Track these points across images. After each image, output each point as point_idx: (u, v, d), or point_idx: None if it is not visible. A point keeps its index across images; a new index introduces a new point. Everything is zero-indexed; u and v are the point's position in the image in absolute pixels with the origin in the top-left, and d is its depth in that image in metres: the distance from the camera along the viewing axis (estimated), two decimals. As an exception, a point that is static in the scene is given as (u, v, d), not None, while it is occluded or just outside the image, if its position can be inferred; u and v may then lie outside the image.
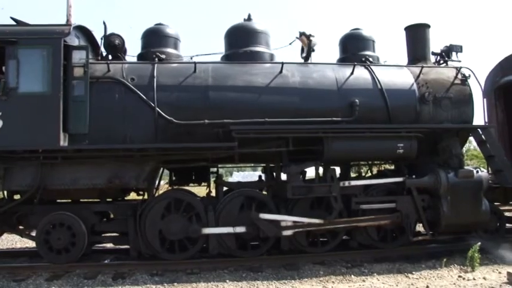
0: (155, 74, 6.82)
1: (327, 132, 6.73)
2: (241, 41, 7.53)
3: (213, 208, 6.80)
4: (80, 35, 7.14)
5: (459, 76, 7.75)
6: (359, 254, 7.05)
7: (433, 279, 5.99)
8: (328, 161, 6.89)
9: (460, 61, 8.16)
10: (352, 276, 6.12)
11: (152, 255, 6.75)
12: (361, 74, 7.39)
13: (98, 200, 6.99)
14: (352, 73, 7.32)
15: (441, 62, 8.24)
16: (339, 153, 6.78)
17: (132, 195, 7.94)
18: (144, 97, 6.64)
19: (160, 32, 7.50)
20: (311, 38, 7.65)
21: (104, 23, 7.30)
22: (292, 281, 5.95)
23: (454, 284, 5.78)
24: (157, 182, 7.83)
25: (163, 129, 6.65)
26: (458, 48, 8.19)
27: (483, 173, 7.19)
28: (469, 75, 7.78)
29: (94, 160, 6.50)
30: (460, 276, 6.06)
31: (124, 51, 7.46)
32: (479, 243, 6.42)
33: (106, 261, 6.89)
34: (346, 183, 6.91)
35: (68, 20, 19.07)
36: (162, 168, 7.80)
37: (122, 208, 6.89)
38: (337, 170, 7.52)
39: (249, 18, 7.79)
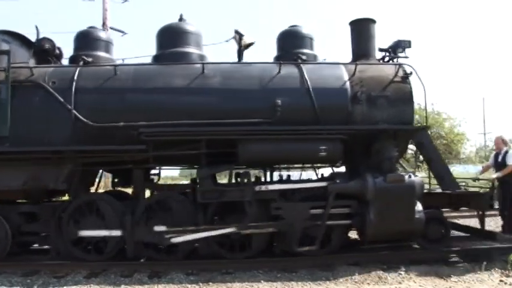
0: (75, 78, 6.88)
1: (241, 134, 6.52)
2: (170, 41, 7.43)
3: (131, 211, 6.77)
4: (11, 40, 7.33)
5: (400, 73, 7.26)
6: (395, 255, 6.83)
7: (473, 283, 5.79)
8: (244, 164, 6.66)
9: (407, 57, 7.67)
10: (388, 278, 6.01)
11: (73, 257, 6.81)
12: (289, 73, 7.07)
13: (26, 200, 7.18)
14: (278, 72, 7.04)
15: (388, 58, 7.76)
16: (254, 155, 6.54)
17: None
18: (62, 100, 6.72)
19: (91, 35, 7.58)
20: (242, 38, 7.45)
21: (36, 27, 7.49)
22: (327, 282, 5.90)
23: (495, 288, 5.52)
24: (96, 183, 8.00)
25: (81, 131, 6.69)
26: (407, 44, 7.67)
27: (416, 177, 6.69)
28: (411, 73, 7.26)
29: (12, 162, 6.66)
30: (501, 281, 5.84)
31: (57, 55, 7.61)
32: None
33: (142, 260, 6.93)
34: (263, 188, 6.64)
35: (104, 24, 19.82)
36: (101, 170, 7.96)
37: (46, 209, 7.00)
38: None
39: (180, 19, 7.69)
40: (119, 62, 7.67)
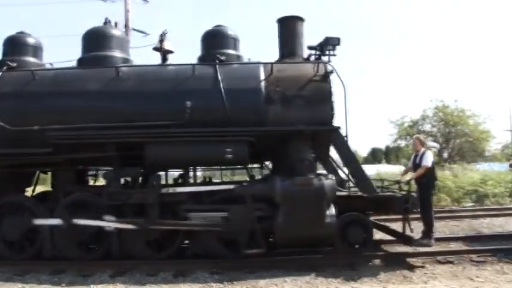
0: (-5, 83, 7.07)
1: (146, 137, 6.50)
2: (93, 45, 7.48)
3: (49, 212, 6.89)
4: None
5: (320, 72, 7.00)
6: (420, 254, 6.78)
7: (501, 284, 5.61)
8: (151, 167, 6.64)
9: (335, 55, 7.40)
10: (414, 277, 5.95)
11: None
12: (203, 74, 6.98)
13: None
14: (192, 74, 6.97)
15: (314, 56, 7.51)
16: (160, 158, 6.53)
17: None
18: (-19, 105, 6.92)
19: (18, 41, 7.73)
20: (163, 41, 7.43)
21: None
22: (352, 281, 5.87)
23: (525, 289, 5.41)
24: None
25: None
26: (335, 41, 7.38)
27: (328, 180, 6.43)
28: (332, 71, 7.00)
29: None
30: (530, 281, 5.67)
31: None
32: None
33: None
34: (170, 190, 6.60)
35: (126, 25, 20.20)
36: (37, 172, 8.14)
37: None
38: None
39: (105, 22, 7.73)
40: (47, 66, 7.82)
